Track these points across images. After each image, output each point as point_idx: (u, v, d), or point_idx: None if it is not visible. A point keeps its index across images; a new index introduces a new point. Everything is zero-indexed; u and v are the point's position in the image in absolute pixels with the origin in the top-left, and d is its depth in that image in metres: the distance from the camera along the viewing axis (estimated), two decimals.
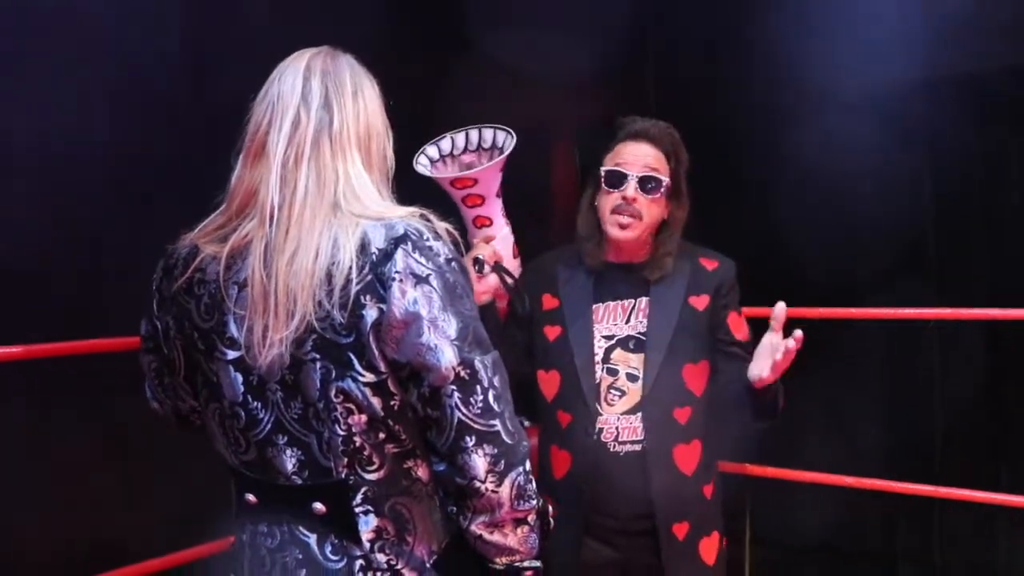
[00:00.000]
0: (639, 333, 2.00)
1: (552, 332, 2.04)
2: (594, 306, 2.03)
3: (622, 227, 1.98)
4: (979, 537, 3.24)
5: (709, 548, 2.02)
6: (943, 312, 2.97)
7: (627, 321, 2.02)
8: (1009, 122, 3.17)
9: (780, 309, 1.83)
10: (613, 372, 1.99)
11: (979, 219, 3.29)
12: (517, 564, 1.27)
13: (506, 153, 1.79)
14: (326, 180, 1.22)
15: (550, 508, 1.31)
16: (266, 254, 1.21)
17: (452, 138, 1.85)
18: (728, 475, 2.27)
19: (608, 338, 2.01)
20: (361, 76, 1.31)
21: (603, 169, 2.01)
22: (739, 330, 2.06)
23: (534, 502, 1.25)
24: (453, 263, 1.23)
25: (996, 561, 3.24)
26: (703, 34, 3.67)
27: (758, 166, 3.48)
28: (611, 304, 2.03)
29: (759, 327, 2.17)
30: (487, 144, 1.84)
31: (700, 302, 2.02)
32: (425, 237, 1.21)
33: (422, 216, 1.25)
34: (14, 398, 2.06)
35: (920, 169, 3.36)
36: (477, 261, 1.82)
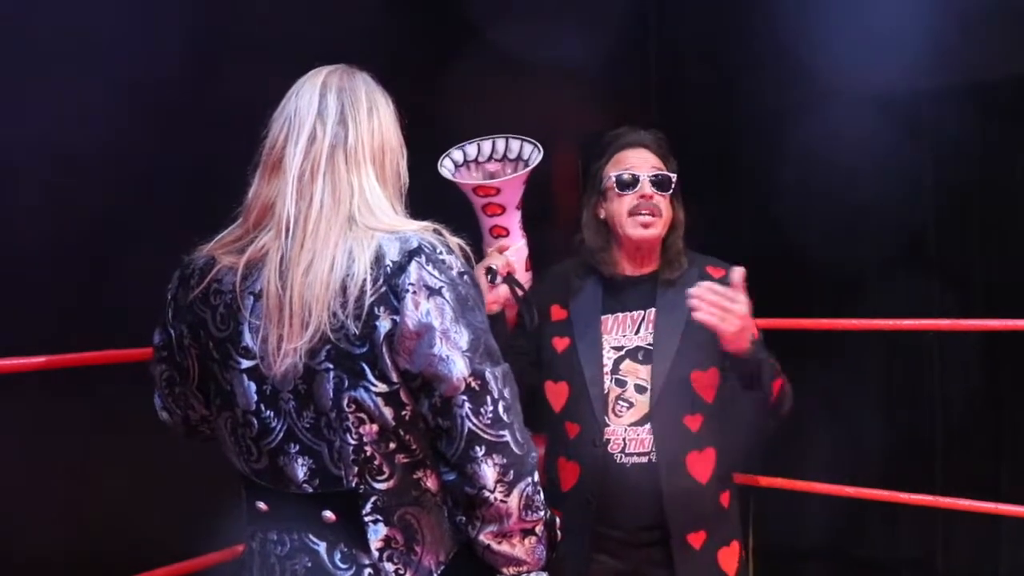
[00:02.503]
0: (648, 344, 2.01)
1: (560, 343, 2.04)
2: (603, 317, 2.04)
3: (645, 225, 2.00)
4: (982, 544, 3.25)
5: (729, 558, 2.00)
6: (941, 323, 2.99)
7: (636, 332, 2.03)
8: (1013, 126, 3.18)
9: (736, 274, 1.83)
10: (621, 383, 2.00)
11: (980, 221, 3.30)
12: (524, 574, 1.29)
13: (532, 166, 1.77)
14: (341, 194, 1.25)
15: (557, 520, 1.32)
16: (282, 265, 1.23)
17: (479, 144, 1.83)
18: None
19: (617, 349, 2.01)
20: (376, 93, 1.33)
21: (612, 175, 2.03)
22: None
23: (542, 513, 1.26)
24: (465, 276, 1.25)
25: (999, 568, 3.25)
26: (705, 35, 3.68)
27: (758, 167, 3.49)
28: (620, 315, 2.04)
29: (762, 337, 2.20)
30: (513, 155, 1.82)
31: None
32: (438, 250, 1.23)
33: (435, 230, 1.27)
34: (21, 404, 2.07)
35: (923, 171, 3.37)
36: (490, 271, 1.81)
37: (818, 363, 3.35)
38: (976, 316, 3.07)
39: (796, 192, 3.31)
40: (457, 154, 1.82)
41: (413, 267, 1.20)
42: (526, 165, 1.80)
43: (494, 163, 1.84)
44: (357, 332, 1.20)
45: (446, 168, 1.80)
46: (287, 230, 1.23)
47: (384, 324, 1.19)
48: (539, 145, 1.80)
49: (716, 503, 2.01)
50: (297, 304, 1.21)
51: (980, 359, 3.25)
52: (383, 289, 1.20)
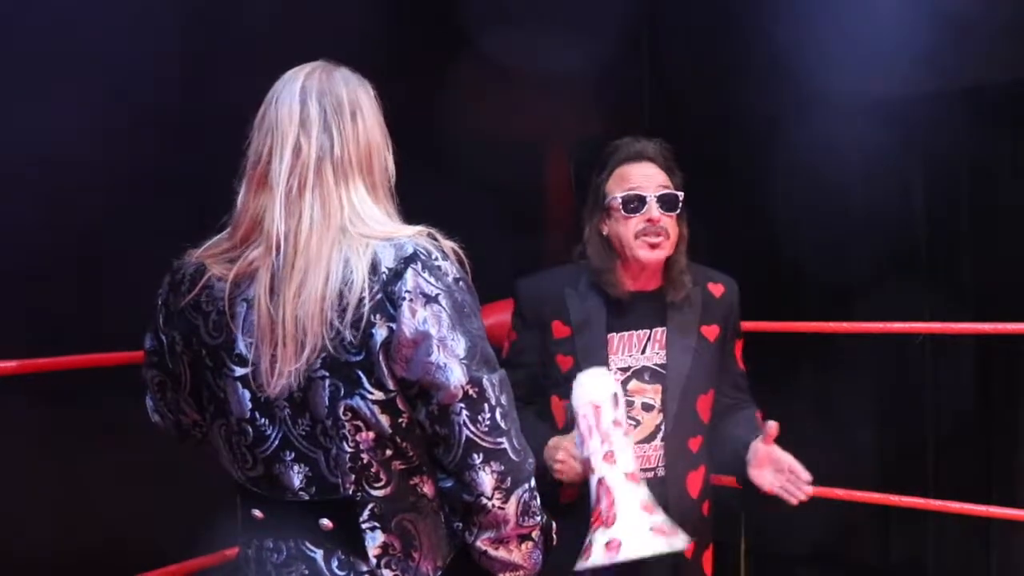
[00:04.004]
0: (656, 364, 1.98)
1: (564, 363, 1.98)
2: (608, 336, 1.98)
3: (653, 247, 1.94)
4: (972, 547, 3.26)
5: (708, 560, 2.06)
6: (933, 326, 3.00)
7: (643, 352, 1.99)
8: (1004, 131, 3.20)
9: (772, 427, 1.84)
10: (628, 403, 1.95)
11: (972, 226, 3.32)
12: None
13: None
14: (331, 208, 1.22)
15: (554, 525, 1.32)
16: (272, 284, 1.22)
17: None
18: (723, 487, 2.29)
19: (624, 370, 1.97)
20: (357, 90, 1.30)
21: (617, 195, 1.96)
22: (741, 360, 2.11)
23: (539, 518, 1.26)
24: (461, 282, 1.24)
25: (990, 570, 3.27)
26: (698, 41, 3.69)
27: (751, 173, 3.50)
28: (625, 335, 1.99)
29: (754, 342, 2.20)
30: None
31: (711, 332, 2.02)
32: (434, 256, 1.22)
33: (430, 235, 1.25)
34: (13, 407, 2.07)
35: (913, 178, 3.39)
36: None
37: (810, 367, 3.36)
38: (967, 320, 3.08)
39: (789, 197, 3.32)
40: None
41: (409, 274, 1.19)
42: None
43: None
44: (353, 340, 1.19)
45: None
46: (277, 248, 1.21)
47: (380, 332, 1.18)
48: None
49: (700, 514, 2.03)
50: (290, 325, 1.19)
51: (971, 362, 3.26)
52: (379, 296, 1.19)
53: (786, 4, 3.19)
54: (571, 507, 1.97)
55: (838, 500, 2.84)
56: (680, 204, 1.98)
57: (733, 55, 3.51)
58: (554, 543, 1.32)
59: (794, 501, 1.85)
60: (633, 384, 1.98)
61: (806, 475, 1.84)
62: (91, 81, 2.25)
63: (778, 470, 1.85)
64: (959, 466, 3.28)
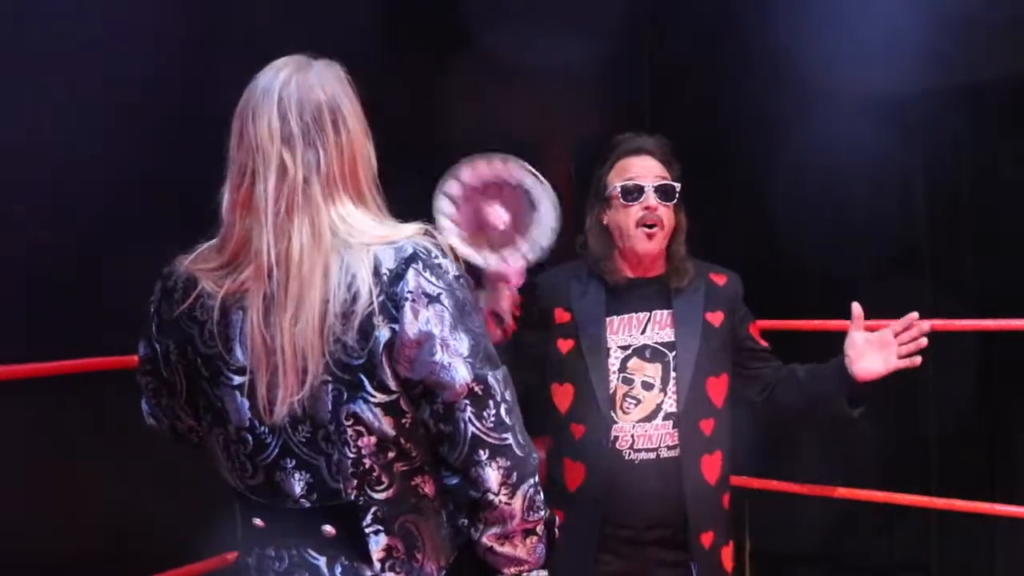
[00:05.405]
0: (656, 343, 2.04)
1: (565, 345, 2.07)
2: (608, 318, 2.06)
3: (649, 237, 2.03)
4: (976, 545, 3.26)
5: (728, 557, 2.08)
6: (934, 323, 2.99)
7: (643, 332, 2.06)
8: (1005, 127, 3.20)
9: (856, 307, 1.97)
10: (628, 381, 2.03)
11: (973, 223, 3.32)
12: (525, 574, 1.29)
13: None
14: (321, 228, 1.19)
15: (557, 518, 1.32)
16: (266, 308, 1.19)
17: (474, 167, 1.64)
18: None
19: (624, 348, 2.05)
20: (335, 92, 1.25)
21: (617, 185, 2.05)
22: (761, 339, 2.15)
23: (543, 513, 1.26)
24: (461, 280, 1.24)
25: (994, 569, 3.26)
26: (699, 39, 3.69)
27: (751, 171, 3.50)
28: (625, 316, 2.07)
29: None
30: (513, 181, 1.69)
31: (716, 318, 2.08)
32: (434, 255, 1.21)
33: (427, 233, 1.24)
34: (19, 409, 2.06)
35: (913, 175, 3.39)
36: (499, 318, 1.70)
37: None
38: (969, 317, 3.08)
39: (789, 195, 3.32)
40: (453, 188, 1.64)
41: (411, 275, 1.18)
42: (526, 192, 1.67)
43: (487, 195, 1.68)
44: (355, 344, 1.18)
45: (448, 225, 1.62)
46: (268, 273, 1.18)
47: (383, 333, 1.17)
48: (541, 177, 1.67)
49: (720, 505, 2.06)
50: (289, 353, 1.17)
51: (974, 360, 3.26)
52: (381, 298, 1.18)
53: (786, 4, 3.19)
54: (580, 499, 2.01)
55: (840, 499, 2.84)
56: (677, 194, 2.07)
57: (733, 55, 3.51)
58: (556, 537, 1.32)
59: (923, 343, 1.91)
60: (633, 362, 2.04)
61: (910, 315, 1.90)
62: (91, 82, 2.24)
63: (883, 343, 1.92)
64: (962, 464, 3.27)
